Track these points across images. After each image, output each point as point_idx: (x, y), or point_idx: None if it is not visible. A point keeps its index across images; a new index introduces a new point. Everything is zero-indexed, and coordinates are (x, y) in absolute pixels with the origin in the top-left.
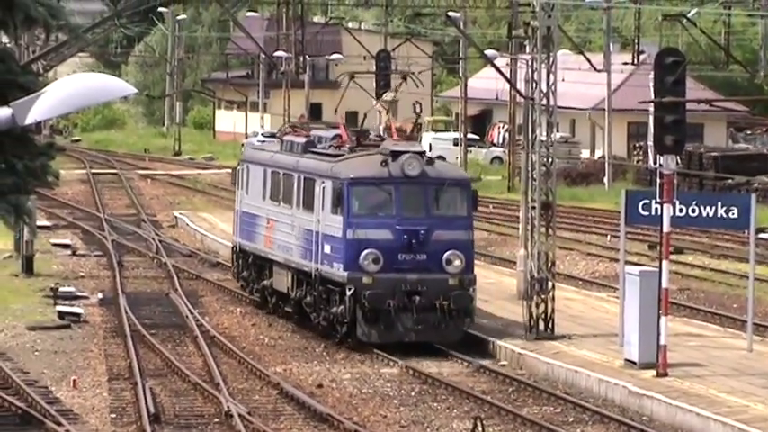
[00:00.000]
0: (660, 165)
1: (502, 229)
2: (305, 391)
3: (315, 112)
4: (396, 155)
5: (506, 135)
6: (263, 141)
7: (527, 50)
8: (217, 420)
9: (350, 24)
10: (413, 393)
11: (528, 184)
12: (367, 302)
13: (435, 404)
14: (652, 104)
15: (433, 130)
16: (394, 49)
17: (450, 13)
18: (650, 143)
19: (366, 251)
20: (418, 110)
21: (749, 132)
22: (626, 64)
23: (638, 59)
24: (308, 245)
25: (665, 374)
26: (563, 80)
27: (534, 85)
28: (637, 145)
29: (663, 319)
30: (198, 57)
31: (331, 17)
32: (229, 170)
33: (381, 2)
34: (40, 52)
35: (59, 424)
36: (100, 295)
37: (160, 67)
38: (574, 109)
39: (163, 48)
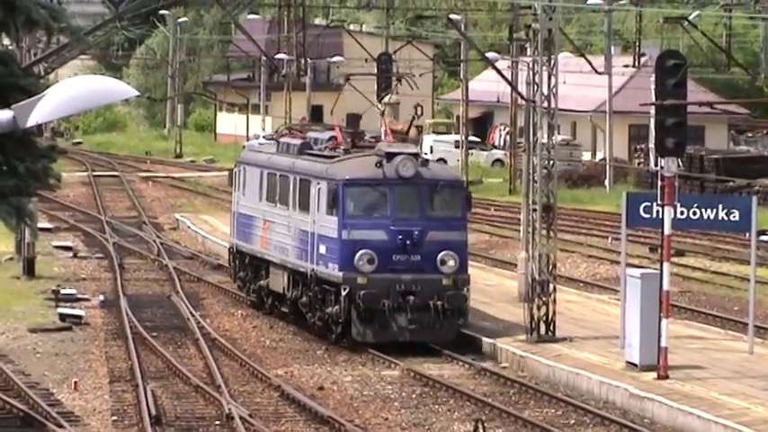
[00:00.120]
0: (661, 167)
1: (503, 232)
2: (306, 393)
3: (316, 114)
4: (390, 156)
5: (507, 137)
6: (264, 144)
7: (528, 53)
8: (218, 423)
9: (351, 27)
10: (414, 396)
11: (529, 187)
12: (362, 302)
13: (436, 406)
14: (653, 107)
15: (434, 132)
16: (395, 52)
17: (451, 16)
18: (651, 146)
19: (361, 252)
20: (419, 112)
21: (750, 135)
22: (627, 66)
23: (639, 62)
24: (304, 245)
25: (667, 377)
26: (564, 82)
27: (535, 87)
28: (638, 147)
29: (664, 321)
30: (199, 59)
31: (332, 19)
32: None
33: (383, 4)
34: (42, 55)
35: (61, 426)
36: (101, 297)
37: (161, 70)
38: (575, 111)
39: (164, 50)
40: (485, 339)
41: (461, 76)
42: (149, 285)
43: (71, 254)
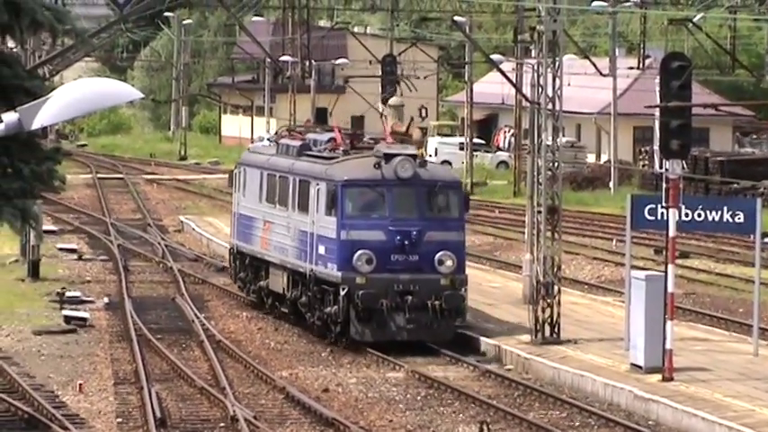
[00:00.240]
0: (666, 169)
1: (508, 234)
2: (311, 395)
3: (321, 116)
4: (389, 157)
5: (512, 139)
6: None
7: (533, 55)
8: (223, 425)
9: (356, 29)
10: (419, 398)
11: (534, 189)
12: (360, 302)
13: (441, 408)
14: (658, 109)
15: (438, 134)
16: (400, 54)
17: (455, 18)
18: (656, 147)
19: (359, 252)
20: (423, 114)
21: (755, 137)
22: (632, 68)
23: (643, 64)
24: (303, 246)
25: (671, 379)
26: (569, 84)
27: (540, 89)
28: (642, 149)
29: (669, 323)
30: (204, 61)
31: (337, 21)
32: None
33: (387, 6)
34: (47, 57)
35: (65, 428)
36: (106, 300)
37: (166, 72)
38: (580, 113)
39: (169, 52)
40: (488, 341)
41: (466, 78)
42: (154, 287)
43: (76, 256)
